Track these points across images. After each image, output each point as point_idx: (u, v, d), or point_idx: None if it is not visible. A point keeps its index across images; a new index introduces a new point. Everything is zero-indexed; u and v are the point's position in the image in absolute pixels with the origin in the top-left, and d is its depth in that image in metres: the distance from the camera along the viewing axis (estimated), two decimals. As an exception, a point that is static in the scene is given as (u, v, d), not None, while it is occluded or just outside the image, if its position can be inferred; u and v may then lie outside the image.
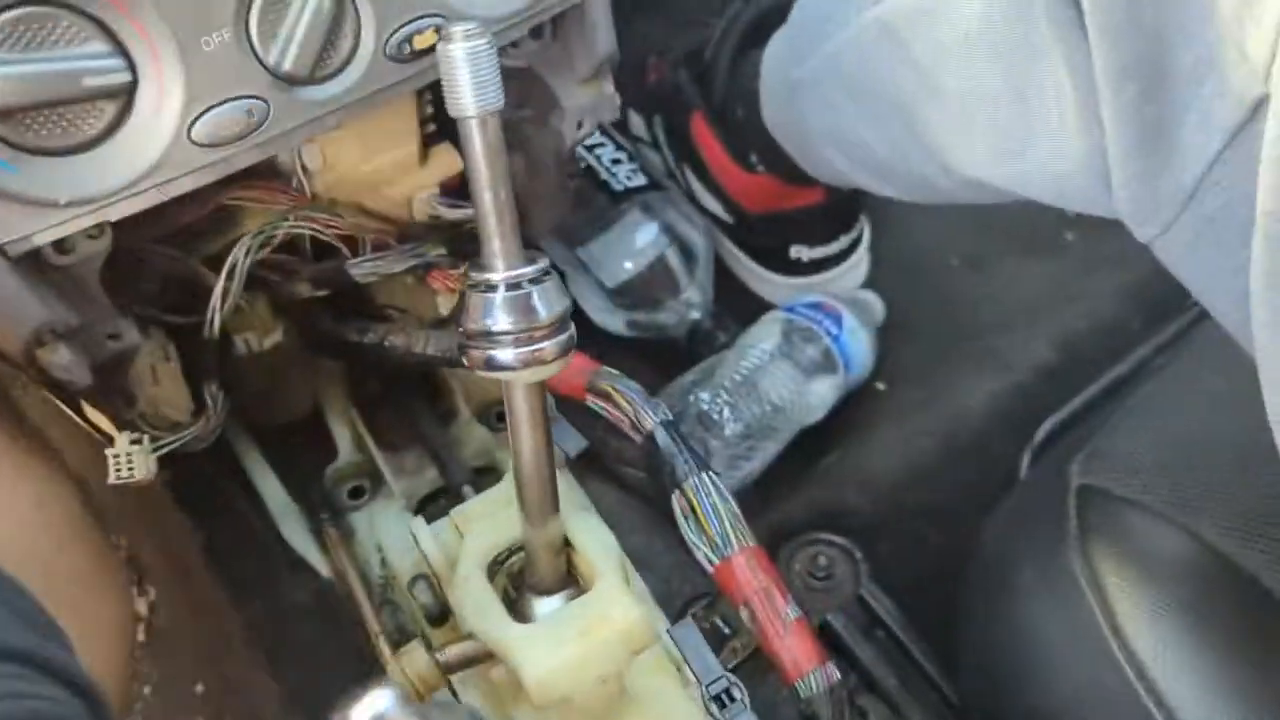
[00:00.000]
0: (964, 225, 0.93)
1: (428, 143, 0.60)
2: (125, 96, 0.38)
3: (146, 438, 0.51)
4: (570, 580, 0.50)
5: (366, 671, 0.57)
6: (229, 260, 0.49)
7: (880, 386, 0.85)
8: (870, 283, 0.90)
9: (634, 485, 0.66)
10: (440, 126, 0.61)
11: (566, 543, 0.48)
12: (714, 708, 0.53)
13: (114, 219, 0.40)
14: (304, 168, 0.57)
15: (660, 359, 0.81)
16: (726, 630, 0.60)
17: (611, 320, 0.87)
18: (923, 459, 0.75)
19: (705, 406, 0.72)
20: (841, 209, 0.84)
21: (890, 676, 0.65)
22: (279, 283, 0.58)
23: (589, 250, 0.85)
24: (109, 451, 0.47)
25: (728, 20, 0.81)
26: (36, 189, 0.37)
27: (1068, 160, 0.49)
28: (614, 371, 0.59)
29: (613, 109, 0.52)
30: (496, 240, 0.40)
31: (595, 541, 0.47)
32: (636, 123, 0.92)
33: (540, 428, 0.43)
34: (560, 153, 0.55)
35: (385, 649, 0.55)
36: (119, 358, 0.45)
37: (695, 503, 0.55)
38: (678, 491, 0.55)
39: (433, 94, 0.58)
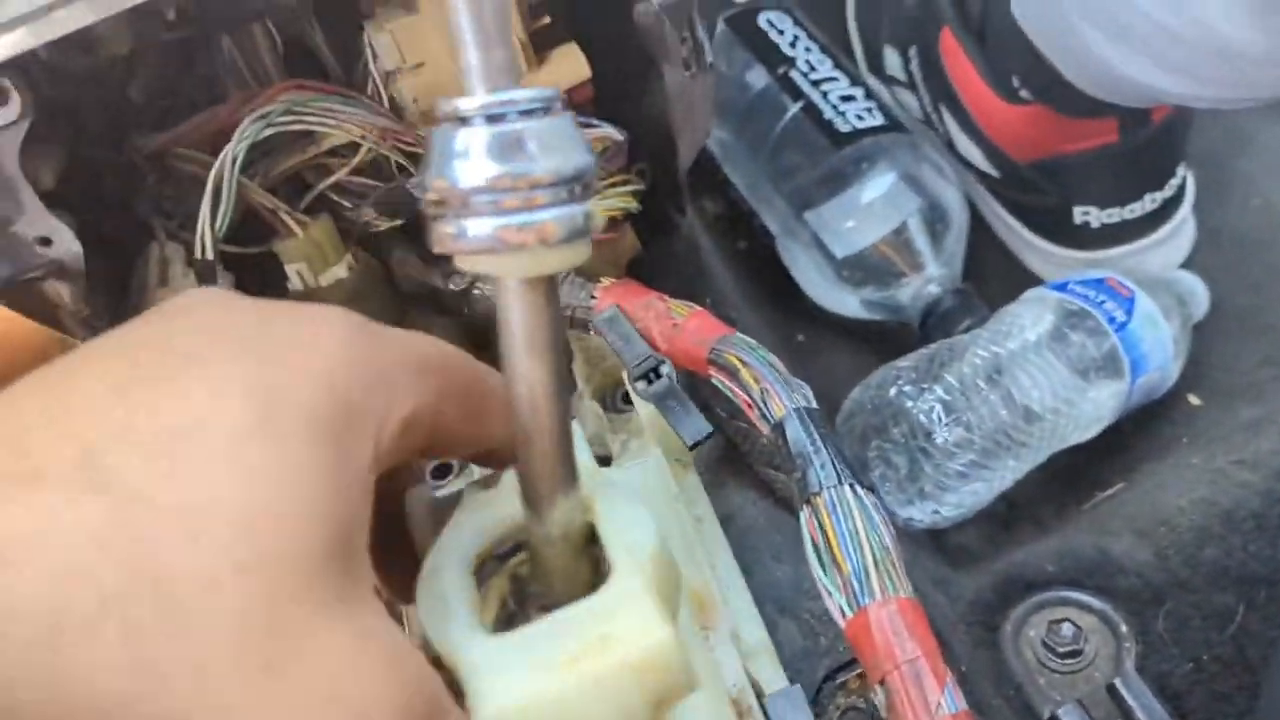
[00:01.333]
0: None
1: (540, 39, 0.48)
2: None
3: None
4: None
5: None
6: (219, 158, 0.39)
7: (1194, 401, 0.62)
8: (1192, 262, 0.67)
9: (789, 498, 0.49)
10: (557, 20, 0.48)
11: (591, 538, 0.32)
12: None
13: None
14: (380, 81, 0.46)
15: (896, 349, 0.63)
16: (885, 716, 0.43)
17: (839, 299, 0.70)
18: (1241, 502, 0.52)
19: (909, 403, 0.54)
20: (1148, 155, 0.62)
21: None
22: (351, 209, 0.48)
23: (816, 213, 0.69)
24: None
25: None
26: None
27: None
28: (746, 339, 0.43)
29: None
30: (474, 49, 0.24)
31: (621, 532, 0.31)
32: (892, 60, 0.75)
33: (545, 356, 0.26)
34: (666, 29, 0.40)
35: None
36: (59, 270, 0.36)
37: (829, 525, 0.39)
38: (807, 507, 0.39)
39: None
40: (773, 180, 0.71)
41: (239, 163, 0.39)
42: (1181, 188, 0.65)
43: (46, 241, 0.35)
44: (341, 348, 0.25)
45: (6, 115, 0.33)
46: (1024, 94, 0.60)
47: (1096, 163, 0.61)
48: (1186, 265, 0.67)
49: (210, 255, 0.40)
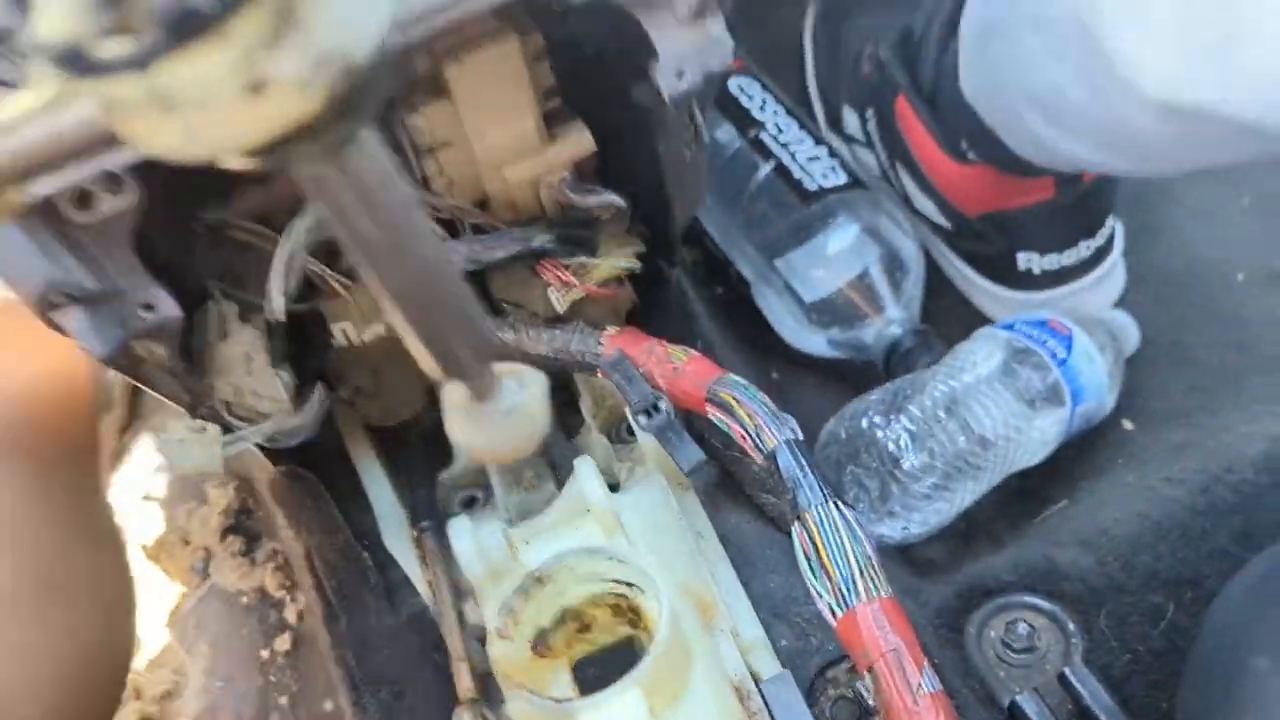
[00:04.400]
0: (1254, 231, 0.76)
1: (552, 120, 0.54)
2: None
3: (213, 427, 0.48)
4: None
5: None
6: (286, 231, 0.45)
7: (1127, 426, 0.70)
8: (1124, 301, 0.75)
9: (778, 519, 0.56)
10: (566, 101, 0.55)
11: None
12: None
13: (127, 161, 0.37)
14: (416, 147, 0.53)
15: (861, 384, 0.70)
16: (871, 703, 0.49)
17: (808, 339, 0.77)
18: (1170, 515, 0.59)
19: (879, 433, 0.61)
20: (1081, 208, 0.70)
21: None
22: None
23: (785, 261, 0.76)
24: (163, 436, 0.44)
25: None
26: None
27: None
28: (739, 380, 0.50)
29: (724, 56, 0.43)
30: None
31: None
32: (850, 120, 0.82)
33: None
34: (671, 111, 0.46)
35: (464, 681, 0.48)
36: (157, 331, 0.41)
37: (818, 538, 0.45)
38: (798, 523, 0.46)
39: (555, 63, 0.52)
40: (745, 231, 0.78)
41: (303, 237, 0.45)
42: (1111, 236, 0.73)
43: (150, 307, 0.41)
44: None
45: (123, 203, 0.38)
46: (971, 156, 0.67)
47: (1036, 215, 0.69)
48: (1119, 304, 0.75)
49: (281, 318, 0.46)
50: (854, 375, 0.75)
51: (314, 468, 0.56)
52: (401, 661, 0.52)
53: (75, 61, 0.16)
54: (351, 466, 0.57)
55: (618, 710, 0.41)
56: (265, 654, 0.69)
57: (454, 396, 0.26)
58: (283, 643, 0.69)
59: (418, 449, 0.58)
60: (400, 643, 0.52)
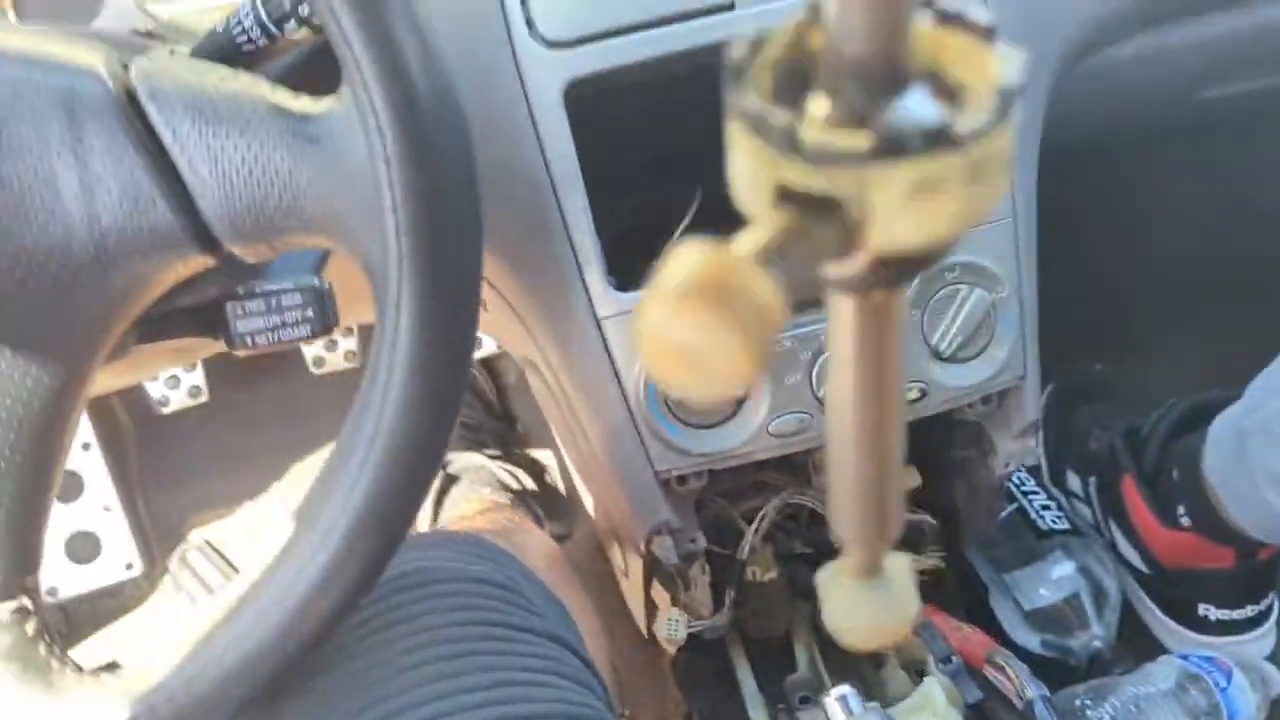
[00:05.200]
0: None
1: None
2: (739, 402, 0.68)
3: (683, 614, 0.79)
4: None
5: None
6: (760, 515, 0.78)
7: (1271, 751, 0.93)
8: (1273, 656, 0.99)
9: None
10: (908, 453, 0.87)
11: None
12: None
13: (713, 468, 0.70)
14: (815, 466, 0.85)
15: (1060, 675, 0.96)
16: None
17: (1025, 638, 1.04)
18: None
19: (1089, 713, 0.87)
20: (1253, 578, 0.96)
21: None
22: (782, 539, 0.85)
23: (1013, 576, 1.04)
24: (671, 611, 0.75)
25: (1166, 407, 1.01)
26: (685, 444, 0.67)
27: None
28: (1008, 652, 0.78)
29: (1033, 456, 0.74)
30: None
31: None
32: (1073, 481, 1.12)
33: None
34: (991, 484, 0.78)
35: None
36: (690, 556, 0.73)
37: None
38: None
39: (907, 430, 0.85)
40: (984, 548, 1.07)
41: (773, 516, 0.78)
42: (1271, 605, 0.98)
43: (694, 541, 0.73)
44: None
45: (696, 486, 0.71)
46: (1185, 523, 0.96)
47: (1218, 577, 0.96)
48: (1269, 658, 0.99)
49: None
50: (1058, 671, 1.00)
51: (706, 654, 0.86)
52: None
53: (938, 139, 0.18)
54: (729, 658, 0.87)
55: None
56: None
57: (841, 571, 0.26)
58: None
59: (774, 654, 0.87)
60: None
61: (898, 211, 0.19)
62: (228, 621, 0.44)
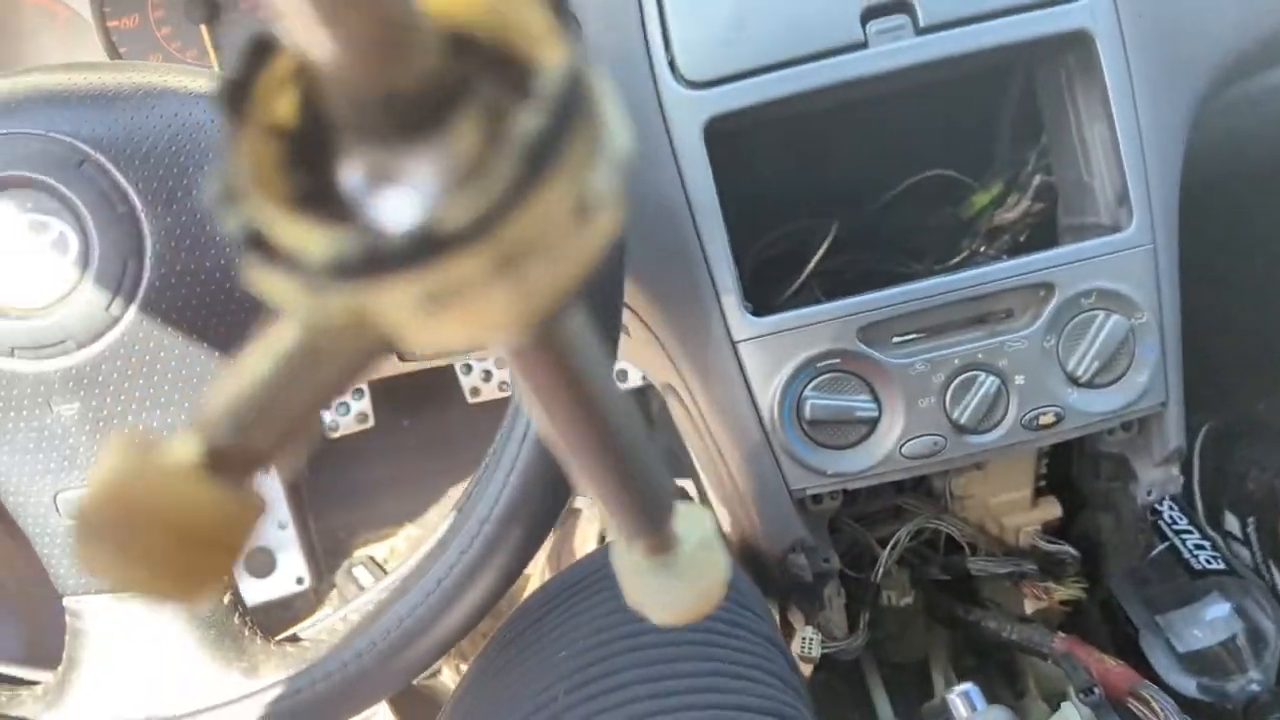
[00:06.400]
0: None
1: (1038, 493, 0.86)
2: (872, 424, 0.70)
3: (817, 633, 0.81)
4: None
5: None
6: (894, 538, 0.79)
7: None
8: None
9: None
10: (1049, 483, 0.86)
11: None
12: None
13: (849, 488, 0.72)
14: (952, 493, 0.86)
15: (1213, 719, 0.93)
16: None
17: (1180, 681, 1.00)
18: None
19: (1243, 754, 0.84)
20: None
21: None
22: (918, 564, 0.86)
23: (1167, 618, 1.01)
24: (805, 629, 0.77)
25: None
26: (819, 463, 0.70)
27: None
28: (1154, 687, 0.77)
29: (1176, 485, 0.74)
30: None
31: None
32: (1232, 522, 1.08)
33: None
34: (1135, 513, 0.77)
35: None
36: (824, 575, 0.75)
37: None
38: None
39: (1047, 459, 0.85)
40: (1135, 586, 1.05)
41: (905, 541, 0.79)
42: None
43: (826, 561, 0.75)
44: None
45: (832, 506, 0.73)
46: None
47: (1382, 626, 0.91)
48: None
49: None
50: (1210, 715, 0.97)
51: (842, 677, 0.88)
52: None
53: (428, 244, 0.13)
54: (865, 682, 0.88)
55: None
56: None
57: (628, 558, 0.25)
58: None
59: (911, 679, 0.88)
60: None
61: (419, 326, 0.15)
62: (392, 603, 0.48)
